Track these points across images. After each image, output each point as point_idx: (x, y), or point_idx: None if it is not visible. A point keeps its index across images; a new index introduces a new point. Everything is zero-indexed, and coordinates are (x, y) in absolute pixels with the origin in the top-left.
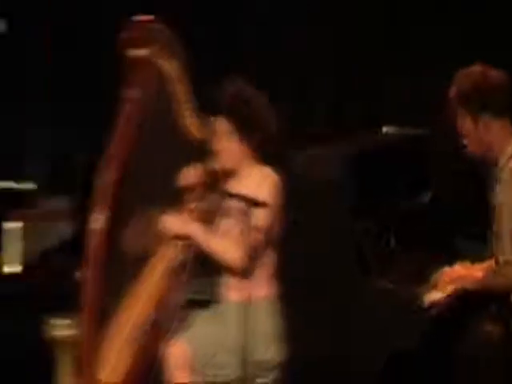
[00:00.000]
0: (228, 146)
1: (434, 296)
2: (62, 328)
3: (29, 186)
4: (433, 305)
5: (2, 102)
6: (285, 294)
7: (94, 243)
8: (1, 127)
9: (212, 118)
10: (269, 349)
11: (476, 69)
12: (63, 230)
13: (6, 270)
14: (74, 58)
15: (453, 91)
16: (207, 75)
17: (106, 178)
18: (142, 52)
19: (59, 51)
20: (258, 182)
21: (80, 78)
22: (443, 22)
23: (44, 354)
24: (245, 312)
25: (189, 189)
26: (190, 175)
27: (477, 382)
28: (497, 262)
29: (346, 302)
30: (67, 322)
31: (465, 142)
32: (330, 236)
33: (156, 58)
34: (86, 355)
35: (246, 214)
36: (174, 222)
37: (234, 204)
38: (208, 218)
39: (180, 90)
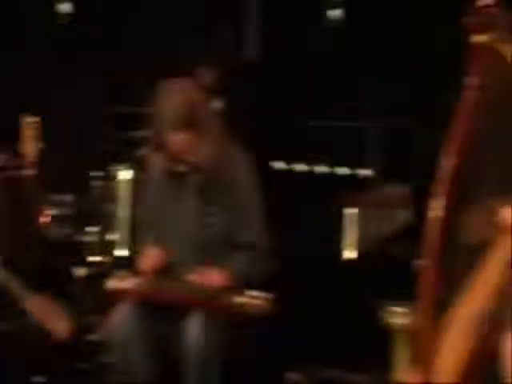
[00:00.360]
0: None
1: None
2: (399, 316)
3: (368, 172)
4: None
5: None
6: None
7: (433, 231)
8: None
9: None
10: None
11: None
12: (401, 216)
13: (346, 255)
14: None
15: None
16: None
17: (447, 163)
18: (483, 38)
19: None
20: None
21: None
22: None
23: (379, 342)
24: None
25: None
26: None
27: None
28: None
29: None
30: (404, 310)
31: None
32: None
33: (498, 43)
34: (423, 345)
35: None
36: None
37: None
38: None
39: None
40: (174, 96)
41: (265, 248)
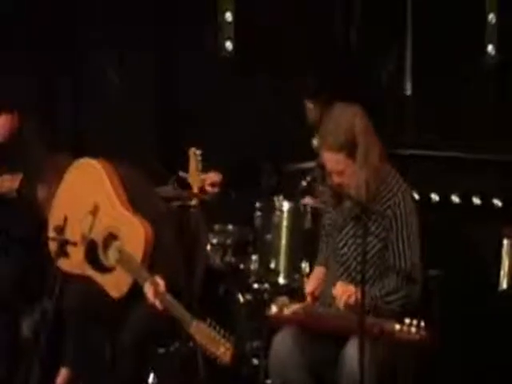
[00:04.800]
0: None
1: None
2: None
3: None
4: None
5: None
6: None
7: None
8: None
9: None
10: None
11: None
12: None
13: (503, 286)
14: None
15: None
16: None
17: None
18: None
19: None
20: None
21: None
22: None
23: None
24: None
25: None
26: None
27: None
28: None
29: None
30: None
31: None
32: None
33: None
34: None
35: None
36: None
37: None
38: None
39: None
40: (338, 118)
41: (417, 278)
